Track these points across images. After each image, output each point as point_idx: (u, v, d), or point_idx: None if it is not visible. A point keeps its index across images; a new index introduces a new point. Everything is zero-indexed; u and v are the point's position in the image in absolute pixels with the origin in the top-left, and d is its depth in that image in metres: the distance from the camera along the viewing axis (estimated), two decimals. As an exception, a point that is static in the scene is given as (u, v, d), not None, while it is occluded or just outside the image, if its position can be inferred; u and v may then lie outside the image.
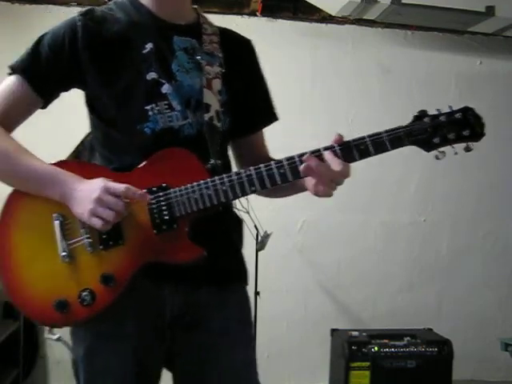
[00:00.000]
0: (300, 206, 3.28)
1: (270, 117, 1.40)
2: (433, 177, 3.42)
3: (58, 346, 3.19)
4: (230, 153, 1.39)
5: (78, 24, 1.23)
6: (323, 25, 3.37)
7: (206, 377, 1.25)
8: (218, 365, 1.25)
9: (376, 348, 2.85)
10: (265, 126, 1.41)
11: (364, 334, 2.96)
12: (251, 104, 1.35)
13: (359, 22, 3.33)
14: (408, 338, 2.94)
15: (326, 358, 3.08)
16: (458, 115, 1.12)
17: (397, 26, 3.37)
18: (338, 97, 3.34)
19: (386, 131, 1.13)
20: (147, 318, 1.21)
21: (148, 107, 1.20)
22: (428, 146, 1.13)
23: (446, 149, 1.13)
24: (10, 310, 3.03)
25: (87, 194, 1.11)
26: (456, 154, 1.13)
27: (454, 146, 1.13)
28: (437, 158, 1.14)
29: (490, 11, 2.92)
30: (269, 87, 1.40)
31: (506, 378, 3.44)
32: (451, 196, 3.48)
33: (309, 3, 3.11)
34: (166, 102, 1.21)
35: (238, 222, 1.37)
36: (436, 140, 1.12)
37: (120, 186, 1.11)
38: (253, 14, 3.23)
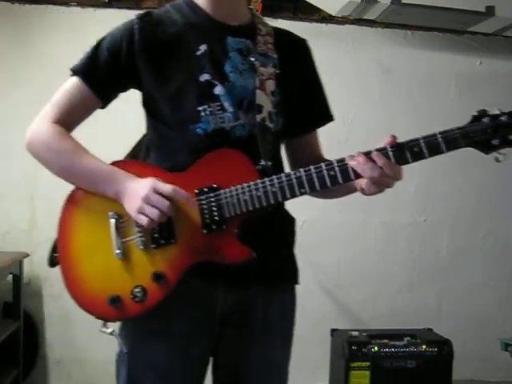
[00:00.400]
0: (300, 206, 3.26)
1: (325, 117, 1.41)
2: (433, 177, 3.42)
3: (58, 346, 3.20)
4: (283, 154, 1.39)
5: (135, 27, 1.25)
6: (323, 25, 3.37)
7: (242, 373, 1.29)
8: (254, 361, 1.29)
9: (376, 348, 2.85)
10: (319, 127, 1.41)
11: (364, 334, 2.96)
12: (306, 104, 1.36)
13: (359, 21, 3.33)
14: (408, 338, 2.93)
15: (326, 358, 3.08)
16: None
17: (397, 26, 3.37)
18: (338, 97, 3.32)
19: (441, 132, 1.10)
20: (197, 316, 1.24)
21: (200, 108, 1.22)
22: (487, 148, 1.10)
23: (507, 150, 1.09)
24: (9, 309, 3.03)
25: (137, 191, 1.15)
26: None
27: None
28: (497, 160, 1.10)
29: (490, 11, 2.92)
30: (323, 88, 1.41)
31: (506, 378, 3.44)
32: (451, 196, 3.47)
33: (309, 3, 3.11)
34: (218, 104, 1.22)
35: (290, 221, 1.39)
36: (495, 141, 1.09)
37: (168, 187, 1.14)
38: (253, 13, 3.24)
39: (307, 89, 1.36)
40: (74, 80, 1.27)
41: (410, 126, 3.25)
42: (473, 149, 1.11)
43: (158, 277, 1.16)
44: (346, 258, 3.38)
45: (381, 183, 1.13)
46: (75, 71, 1.28)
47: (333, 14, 3.19)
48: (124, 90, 1.31)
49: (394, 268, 3.43)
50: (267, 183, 1.15)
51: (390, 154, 1.11)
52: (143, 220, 1.14)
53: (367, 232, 3.42)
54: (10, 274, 2.91)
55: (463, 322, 3.45)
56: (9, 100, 3.13)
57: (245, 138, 1.23)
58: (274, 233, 1.28)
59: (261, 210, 1.17)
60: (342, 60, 3.37)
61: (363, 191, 1.17)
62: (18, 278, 2.97)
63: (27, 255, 3.04)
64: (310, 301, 3.28)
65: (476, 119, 1.11)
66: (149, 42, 1.24)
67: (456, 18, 3.04)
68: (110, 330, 1.23)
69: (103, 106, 1.31)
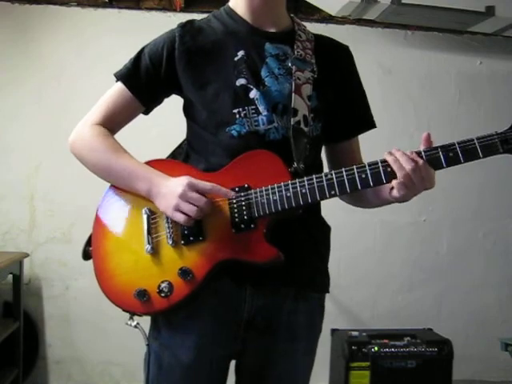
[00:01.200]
0: (300, 206, 3.28)
1: (366, 124, 1.42)
2: (433, 177, 3.41)
3: (58, 346, 3.20)
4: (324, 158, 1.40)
5: (177, 35, 1.30)
6: (323, 25, 3.36)
7: (264, 378, 1.29)
8: (276, 369, 1.29)
9: (376, 348, 2.85)
10: (360, 133, 1.42)
11: (364, 334, 2.96)
12: (346, 110, 1.36)
13: (359, 21, 3.33)
14: (408, 338, 2.93)
15: (326, 358, 3.08)
16: None
17: (397, 26, 3.37)
18: (338, 97, 3.34)
19: (478, 138, 1.10)
20: (224, 315, 1.24)
21: (235, 111, 1.24)
22: None
23: None
24: (9, 309, 3.03)
25: (172, 189, 1.18)
26: None
27: None
28: None
29: (490, 11, 2.92)
30: (365, 95, 1.42)
31: (506, 378, 3.44)
32: (451, 196, 3.47)
33: (309, 3, 3.11)
34: (253, 107, 1.24)
35: (326, 229, 1.37)
36: None
37: (205, 184, 1.17)
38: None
39: (347, 95, 1.37)
40: (118, 85, 1.33)
41: (410, 126, 3.25)
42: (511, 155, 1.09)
43: (184, 272, 1.17)
44: (346, 258, 3.38)
45: (412, 185, 1.13)
46: (119, 77, 1.33)
47: (333, 13, 3.20)
48: (166, 95, 1.36)
49: (394, 268, 3.44)
50: (298, 184, 1.16)
51: (425, 157, 1.12)
52: (180, 217, 1.16)
53: (367, 232, 3.42)
54: (10, 274, 2.91)
55: (463, 322, 3.45)
56: (9, 100, 3.13)
57: (278, 140, 1.24)
58: (307, 239, 1.28)
59: (291, 212, 1.17)
60: (342, 60, 3.37)
61: (392, 194, 1.17)
62: (17, 278, 2.97)
63: (27, 255, 3.04)
64: (310, 301, 3.28)
65: None
66: (189, 49, 1.28)
67: (456, 18, 3.04)
68: (134, 323, 1.24)
69: (146, 112, 1.36)
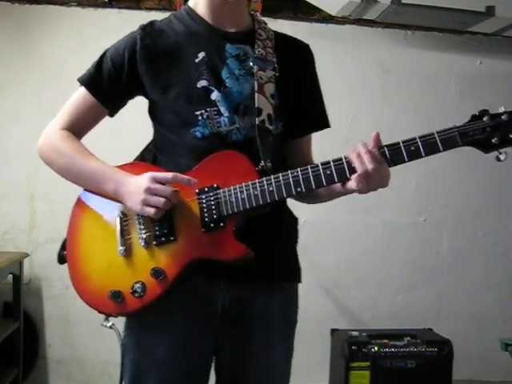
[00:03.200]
0: (300, 206, 3.28)
1: (320, 123, 1.42)
2: (433, 177, 3.41)
3: (58, 346, 3.20)
4: None
5: (138, 37, 1.30)
6: (323, 25, 3.37)
7: (243, 372, 1.31)
8: (255, 361, 1.30)
9: (376, 348, 2.84)
10: (313, 132, 1.43)
11: (364, 334, 2.96)
12: (302, 108, 1.37)
13: (359, 21, 3.33)
14: (408, 338, 2.94)
15: (326, 358, 3.08)
16: None
17: (397, 26, 3.37)
18: (339, 97, 3.34)
19: (438, 132, 1.12)
20: (198, 312, 1.26)
21: (198, 113, 1.26)
22: (486, 146, 1.11)
23: (509, 149, 1.09)
24: (9, 309, 3.03)
25: (137, 186, 1.20)
26: None
27: None
28: (498, 159, 1.11)
29: (490, 11, 2.92)
30: (322, 94, 1.43)
31: (505, 378, 3.44)
32: (451, 196, 3.47)
33: (309, 3, 3.11)
34: (215, 109, 1.26)
35: (293, 220, 1.41)
36: (495, 140, 1.10)
37: (166, 174, 1.19)
38: (253, 13, 3.24)
39: (304, 93, 1.38)
40: (82, 90, 1.34)
41: (410, 126, 3.25)
42: (473, 148, 1.11)
43: (156, 273, 1.20)
44: (346, 258, 3.38)
45: (371, 180, 1.14)
46: (82, 81, 1.34)
47: (333, 13, 3.19)
48: (130, 98, 1.36)
49: (394, 268, 3.43)
50: (265, 182, 1.18)
51: (387, 152, 1.14)
52: (150, 211, 1.18)
53: (367, 232, 3.42)
54: (10, 274, 2.91)
55: (463, 322, 3.45)
56: (8, 100, 3.13)
57: (241, 141, 1.26)
58: (276, 231, 1.30)
59: (259, 209, 1.19)
60: (342, 60, 3.38)
61: (348, 185, 1.17)
62: (17, 278, 2.97)
63: (27, 255, 3.04)
64: (310, 301, 3.28)
65: (476, 118, 1.12)
66: (150, 51, 1.29)
67: (456, 18, 3.04)
68: (109, 324, 1.28)
69: (111, 114, 1.37)
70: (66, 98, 1.35)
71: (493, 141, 1.10)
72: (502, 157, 1.10)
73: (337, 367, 2.96)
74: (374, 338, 2.91)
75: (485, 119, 1.11)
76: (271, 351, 1.32)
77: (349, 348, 2.82)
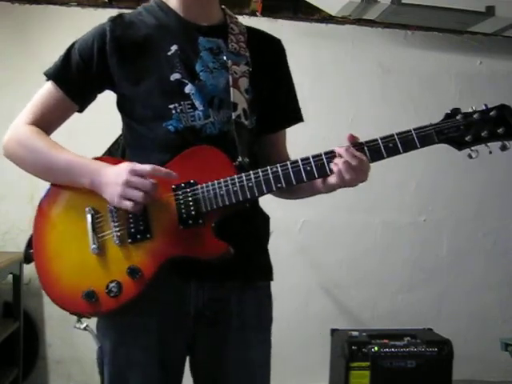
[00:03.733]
0: (300, 206, 3.28)
1: (294, 117, 1.41)
2: (433, 177, 3.42)
3: (58, 346, 3.20)
4: None
5: (107, 29, 1.26)
6: (323, 25, 3.37)
7: (221, 372, 1.28)
8: (230, 360, 1.28)
9: (376, 348, 2.85)
10: (287, 127, 1.42)
11: (364, 334, 2.96)
12: (275, 102, 1.36)
13: (359, 21, 3.33)
14: (408, 338, 2.94)
15: (326, 358, 3.08)
16: (493, 113, 1.13)
17: (397, 26, 3.37)
18: (339, 97, 3.34)
19: (415, 129, 1.14)
20: (172, 311, 1.24)
21: (171, 106, 1.23)
22: (460, 144, 1.13)
23: (480, 147, 1.12)
24: (9, 309, 3.03)
25: (115, 177, 1.16)
26: (490, 153, 1.12)
27: (489, 144, 1.12)
28: (470, 156, 1.13)
29: (490, 11, 2.92)
30: (295, 88, 1.41)
31: (505, 378, 3.43)
32: (451, 196, 3.47)
33: (309, 3, 3.10)
34: (189, 102, 1.24)
35: (265, 219, 1.38)
36: (468, 138, 1.12)
37: (146, 167, 1.15)
38: (253, 14, 3.23)
39: (277, 87, 1.37)
40: (49, 84, 1.29)
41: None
42: (447, 145, 1.14)
43: (133, 271, 1.16)
44: (347, 259, 3.38)
45: (351, 175, 1.14)
46: (49, 75, 1.30)
47: (333, 13, 3.19)
48: (99, 91, 1.32)
49: (394, 268, 3.43)
50: (244, 178, 1.17)
51: (366, 148, 1.15)
52: (128, 204, 1.14)
53: (367, 232, 3.42)
54: (10, 274, 2.91)
55: (463, 322, 3.44)
56: (8, 99, 3.13)
57: (215, 135, 1.24)
58: (248, 230, 1.28)
59: (238, 205, 1.18)
60: (342, 60, 3.37)
61: (328, 181, 1.18)
62: (17, 278, 2.97)
63: (27, 255, 3.04)
64: (311, 301, 3.28)
65: (449, 116, 1.14)
66: (120, 44, 1.25)
67: (456, 18, 3.04)
68: (83, 326, 1.24)
69: (80, 109, 1.32)
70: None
71: (466, 139, 1.13)
72: (473, 154, 1.13)
73: (337, 367, 2.96)
74: (374, 337, 2.91)
75: (458, 118, 1.13)
76: (248, 351, 1.29)
77: (349, 348, 2.82)
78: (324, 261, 3.35)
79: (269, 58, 1.37)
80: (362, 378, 2.82)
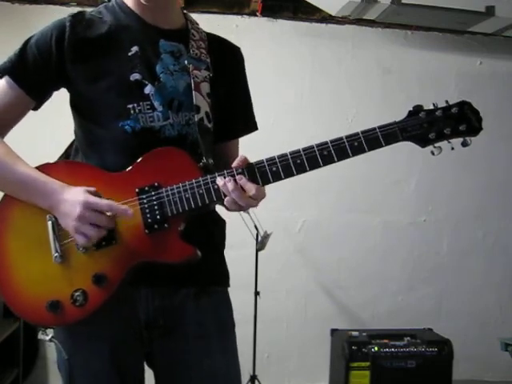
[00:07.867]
0: (300, 206, 3.29)
1: (250, 126, 1.40)
2: (433, 177, 3.42)
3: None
4: None
5: (67, 24, 1.23)
6: (323, 25, 3.37)
7: (182, 381, 1.25)
8: (193, 370, 1.24)
9: (376, 348, 2.85)
10: (242, 135, 1.40)
11: (364, 334, 2.96)
12: (232, 111, 1.35)
13: (359, 22, 3.33)
14: (408, 338, 2.94)
15: (326, 358, 3.08)
16: (454, 110, 1.15)
17: (397, 26, 3.37)
18: (338, 96, 3.34)
19: (379, 127, 1.14)
20: (122, 319, 1.21)
21: (130, 106, 1.21)
22: (423, 141, 1.13)
23: (443, 144, 1.12)
24: (9, 309, 3.03)
25: (70, 209, 1.12)
26: (453, 149, 1.12)
27: (451, 141, 1.12)
28: (432, 153, 1.14)
29: (490, 11, 2.92)
30: (251, 97, 1.40)
31: (505, 378, 3.44)
32: (451, 196, 3.48)
33: (309, 3, 3.10)
34: (148, 103, 1.21)
35: (221, 223, 1.35)
36: (432, 135, 1.13)
37: (102, 203, 1.12)
38: (253, 14, 3.23)
39: (234, 96, 1.36)
40: (3, 81, 1.23)
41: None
42: (410, 142, 1.14)
43: (99, 279, 1.13)
44: (346, 258, 3.38)
45: (240, 205, 1.13)
46: (3, 71, 1.24)
47: (333, 13, 3.19)
48: (56, 88, 1.27)
49: (394, 268, 3.44)
50: (209, 180, 1.14)
51: (316, 149, 1.12)
52: (81, 240, 1.11)
53: (367, 232, 3.42)
54: (10, 274, 2.91)
55: (463, 322, 3.45)
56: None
57: (174, 137, 1.22)
58: (205, 236, 1.25)
59: (204, 208, 1.16)
60: (342, 60, 3.38)
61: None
62: (17, 278, 2.96)
63: (27, 255, 3.04)
64: (311, 301, 3.28)
65: (412, 114, 1.15)
66: (79, 41, 1.22)
67: (456, 18, 3.04)
68: (49, 337, 1.20)
69: (36, 107, 1.26)
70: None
71: (429, 136, 1.12)
72: (436, 151, 1.13)
73: (337, 367, 2.96)
74: (374, 337, 2.91)
75: (421, 115, 1.14)
76: (213, 358, 1.25)
77: (349, 348, 2.83)
78: (324, 261, 3.35)
79: (229, 66, 1.36)
80: (362, 378, 2.82)
